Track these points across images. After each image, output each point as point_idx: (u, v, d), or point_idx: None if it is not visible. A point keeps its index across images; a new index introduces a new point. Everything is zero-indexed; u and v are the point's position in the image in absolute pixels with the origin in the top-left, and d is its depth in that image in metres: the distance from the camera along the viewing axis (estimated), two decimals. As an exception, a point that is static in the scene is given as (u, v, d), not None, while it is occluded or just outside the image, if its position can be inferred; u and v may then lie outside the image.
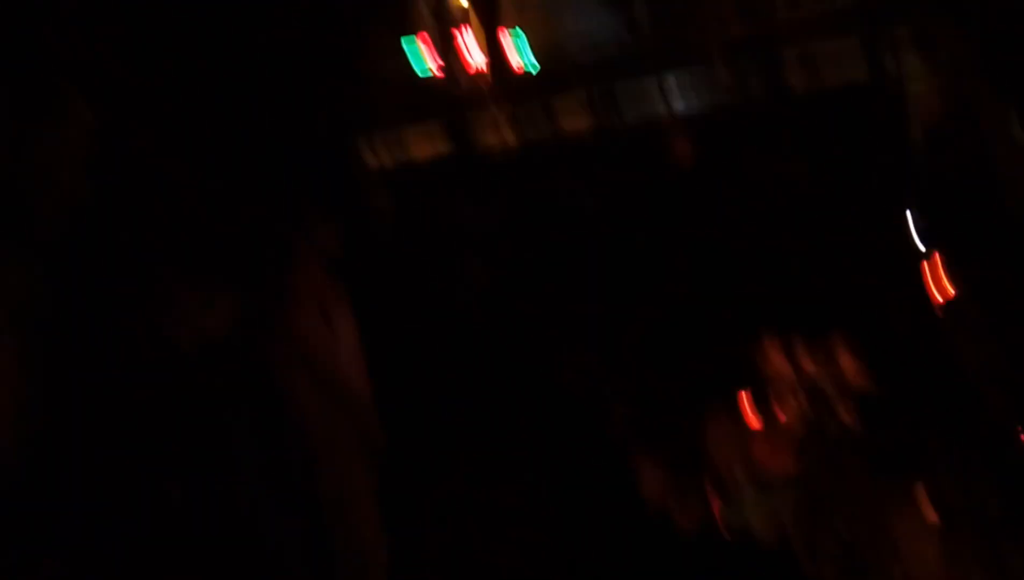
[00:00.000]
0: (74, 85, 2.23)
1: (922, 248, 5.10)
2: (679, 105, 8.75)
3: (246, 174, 5.05)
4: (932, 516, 2.86)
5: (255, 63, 5.41)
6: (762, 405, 2.94)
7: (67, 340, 1.85)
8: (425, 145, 8.46)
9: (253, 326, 2.74)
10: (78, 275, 1.82)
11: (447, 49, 8.05)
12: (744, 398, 2.98)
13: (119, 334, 2.26)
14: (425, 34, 11.92)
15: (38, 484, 1.75)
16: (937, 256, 4.52)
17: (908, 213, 5.23)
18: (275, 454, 2.96)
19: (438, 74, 8.22)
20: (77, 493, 1.86)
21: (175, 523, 2.09)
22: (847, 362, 2.97)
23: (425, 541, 3.71)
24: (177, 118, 4.65)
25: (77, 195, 2.13)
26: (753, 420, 2.94)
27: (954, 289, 4.07)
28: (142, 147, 4.02)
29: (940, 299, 4.17)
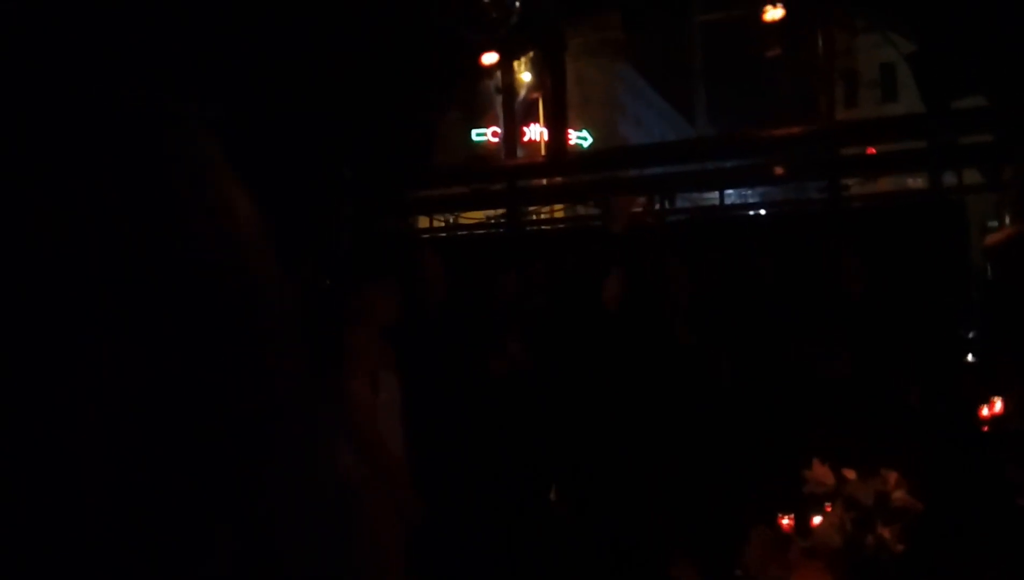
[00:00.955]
0: None
1: (973, 361, 5.02)
2: (733, 197, 8.78)
3: (304, 239, 5.16)
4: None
5: (320, 133, 5.57)
6: (801, 516, 2.89)
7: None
8: (478, 215, 8.59)
9: (304, 389, 2.76)
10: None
11: (513, 137, 8.25)
12: (784, 508, 2.93)
13: (176, 390, 2.30)
14: (496, 129, 12.23)
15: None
16: (989, 370, 4.44)
17: (965, 327, 5.16)
18: (313, 518, 2.96)
19: (500, 154, 8.35)
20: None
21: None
22: (890, 476, 2.91)
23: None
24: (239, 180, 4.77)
25: None
26: (791, 530, 2.88)
27: (1004, 406, 3.99)
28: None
29: (988, 415, 4.09)
